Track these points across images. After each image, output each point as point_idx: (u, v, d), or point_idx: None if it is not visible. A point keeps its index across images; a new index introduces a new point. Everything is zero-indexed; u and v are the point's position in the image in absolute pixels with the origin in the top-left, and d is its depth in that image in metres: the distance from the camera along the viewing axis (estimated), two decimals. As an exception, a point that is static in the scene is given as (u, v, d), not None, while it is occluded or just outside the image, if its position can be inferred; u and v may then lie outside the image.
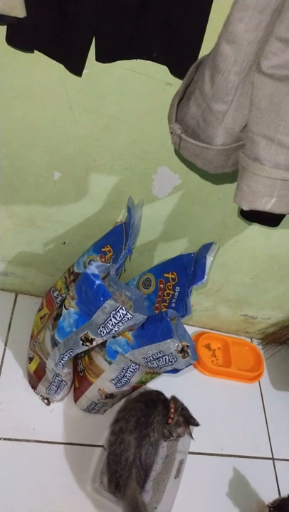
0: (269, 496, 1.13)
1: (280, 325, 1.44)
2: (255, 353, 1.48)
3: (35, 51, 0.67)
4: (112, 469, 0.91)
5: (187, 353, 0.82)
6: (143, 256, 1.12)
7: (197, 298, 1.31)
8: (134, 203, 0.92)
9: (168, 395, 1.11)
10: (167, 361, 0.85)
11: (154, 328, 0.82)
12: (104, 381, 0.99)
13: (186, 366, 0.86)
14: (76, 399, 1.12)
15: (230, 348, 1.43)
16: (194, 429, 1.14)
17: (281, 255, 1.13)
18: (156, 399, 1.02)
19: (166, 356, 0.85)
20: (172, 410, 1.02)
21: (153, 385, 1.18)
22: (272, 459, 1.27)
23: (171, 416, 1.02)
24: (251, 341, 1.53)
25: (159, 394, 1.06)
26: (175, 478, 1.07)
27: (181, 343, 0.81)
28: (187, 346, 0.82)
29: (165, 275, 0.99)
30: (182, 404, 1.06)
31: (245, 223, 1.02)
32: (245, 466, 1.22)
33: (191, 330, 1.46)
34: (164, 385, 1.17)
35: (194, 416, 1.13)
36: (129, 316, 0.76)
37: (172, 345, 0.81)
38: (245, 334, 1.53)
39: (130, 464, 0.90)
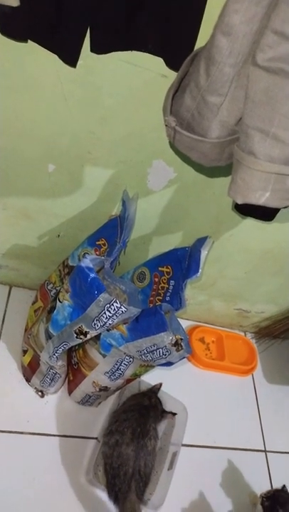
0: (261, 488, 1.14)
1: (273, 319, 1.45)
2: (248, 346, 1.49)
3: (29, 41, 0.66)
4: (111, 482, 0.91)
5: (181, 346, 0.82)
6: (138, 249, 1.12)
7: (191, 292, 1.32)
8: (129, 196, 0.92)
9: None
10: (161, 354, 0.86)
11: (148, 321, 0.82)
12: (98, 374, 0.99)
13: (180, 359, 0.86)
14: (70, 391, 1.12)
15: (224, 342, 1.44)
16: (188, 422, 1.15)
17: (276, 249, 1.13)
18: (149, 404, 1.02)
19: (160, 349, 0.85)
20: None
21: (147, 377, 1.19)
22: (265, 451, 1.29)
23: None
24: (245, 335, 1.54)
25: (150, 397, 1.05)
26: (168, 470, 1.08)
27: (175, 336, 0.82)
28: (181, 339, 0.82)
29: (160, 269, 0.99)
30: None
31: (239, 217, 1.02)
32: (237, 459, 1.23)
33: (185, 323, 1.46)
34: (158, 378, 1.18)
35: (188, 409, 1.15)
36: (124, 309, 0.76)
37: (166, 338, 0.81)
38: (239, 328, 1.53)
39: (130, 477, 0.89)
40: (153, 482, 1.09)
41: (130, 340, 0.86)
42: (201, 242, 0.90)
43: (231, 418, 1.32)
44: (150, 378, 1.18)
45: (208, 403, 1.32)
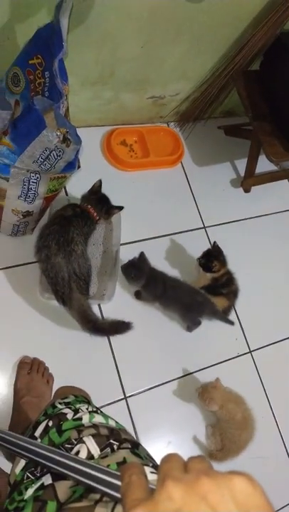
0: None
1: (190, 99, 1.35)
2: (172, 136, 1.43)
3: None
4: (55, 291, 0.96)
5: (69, 139, 0.75)
6: (3, 49, 0.93)
7: (93, 91, 1.17)
8: None
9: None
10: (56, 156, 0.80)
11: (26, 122, 0.73)
12: (12, 201, 0.95)
13: (77, 155, 0.81)
14: (-3, 228, 1.10)
15: (146, 138, 1.37)
16: (129, 223, 1.17)
17: (163, 6, 0.96)
18: (71, 214, 1.00)
19: (53, 152, 0.79)
20: (92, 213, 1.03)
21: (75, 192, 1.15)
22: (204, 227, 1.37)
23: (95, 215, 1.04)
24: (168, 126, 1.46)
25: (74, 207, 1.03)
26: (114, 266, 1.15)
27: (59, 130, 0.74)
28: (67, 132, 0.75)
29: (30, 62, 0.83)
30: (94, 194, 1.06)
31: None
32: (181, 240, 1.31)
33: (101, 130, 1.36)
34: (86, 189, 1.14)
35: (124, 212, 1.14)
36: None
37: (51, 135, 0.74)
38: (160, 120, 1.44)
39: (67, 281, 0.93)
40: (104, 280, 1.18)
41: (19, 152, 0.78)
42: (58, 7, 0.74)
43: (167, 208, 1.35)
44: (78, 192, 1.14)
45: (144, 201, 1.32)
